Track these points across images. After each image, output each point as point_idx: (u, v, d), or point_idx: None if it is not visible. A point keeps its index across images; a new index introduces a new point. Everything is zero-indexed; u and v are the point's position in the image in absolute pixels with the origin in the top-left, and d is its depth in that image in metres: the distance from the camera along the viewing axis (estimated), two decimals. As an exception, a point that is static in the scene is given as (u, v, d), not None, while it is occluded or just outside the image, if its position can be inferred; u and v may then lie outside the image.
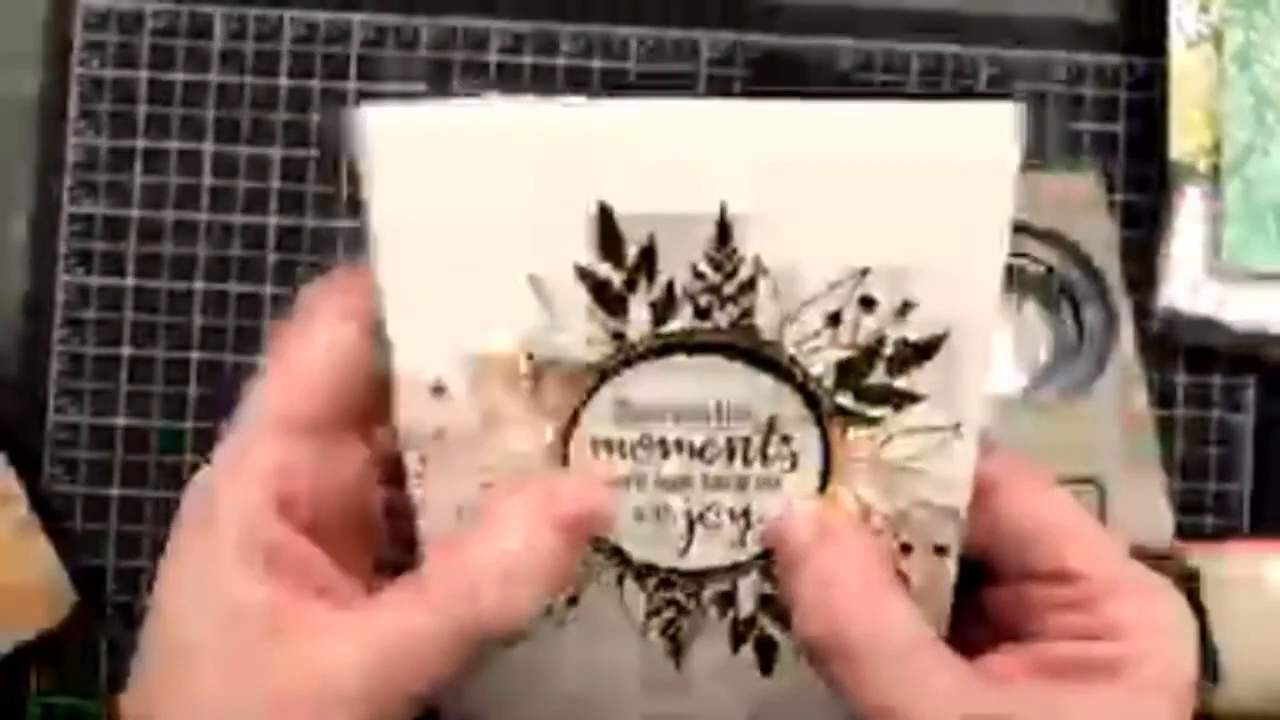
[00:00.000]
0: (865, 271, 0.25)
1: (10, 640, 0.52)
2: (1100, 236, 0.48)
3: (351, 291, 0.27)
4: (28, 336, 0.54)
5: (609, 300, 0.26)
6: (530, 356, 0.27)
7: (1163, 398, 0.53)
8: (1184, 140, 0.51)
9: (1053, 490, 0.28)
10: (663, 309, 0.26)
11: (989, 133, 0.24)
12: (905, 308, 0.26)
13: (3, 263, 0.54)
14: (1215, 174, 0.51)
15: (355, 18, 0.54)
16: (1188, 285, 0.52)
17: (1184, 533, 0.52)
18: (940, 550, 0.28)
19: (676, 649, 0.30)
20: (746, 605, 0.29)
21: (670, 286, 0.26)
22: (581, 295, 0.26)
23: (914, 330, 0.26)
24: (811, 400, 0.27)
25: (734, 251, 0.25)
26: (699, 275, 0.26)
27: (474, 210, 0.26)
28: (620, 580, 0.29)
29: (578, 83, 0.54)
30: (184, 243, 0.54)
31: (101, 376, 0.54)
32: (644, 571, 0.29)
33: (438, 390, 0.27)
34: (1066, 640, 0.27)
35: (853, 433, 0.27)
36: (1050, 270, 0.49)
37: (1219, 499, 0.53)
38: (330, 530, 0.28)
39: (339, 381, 0.27)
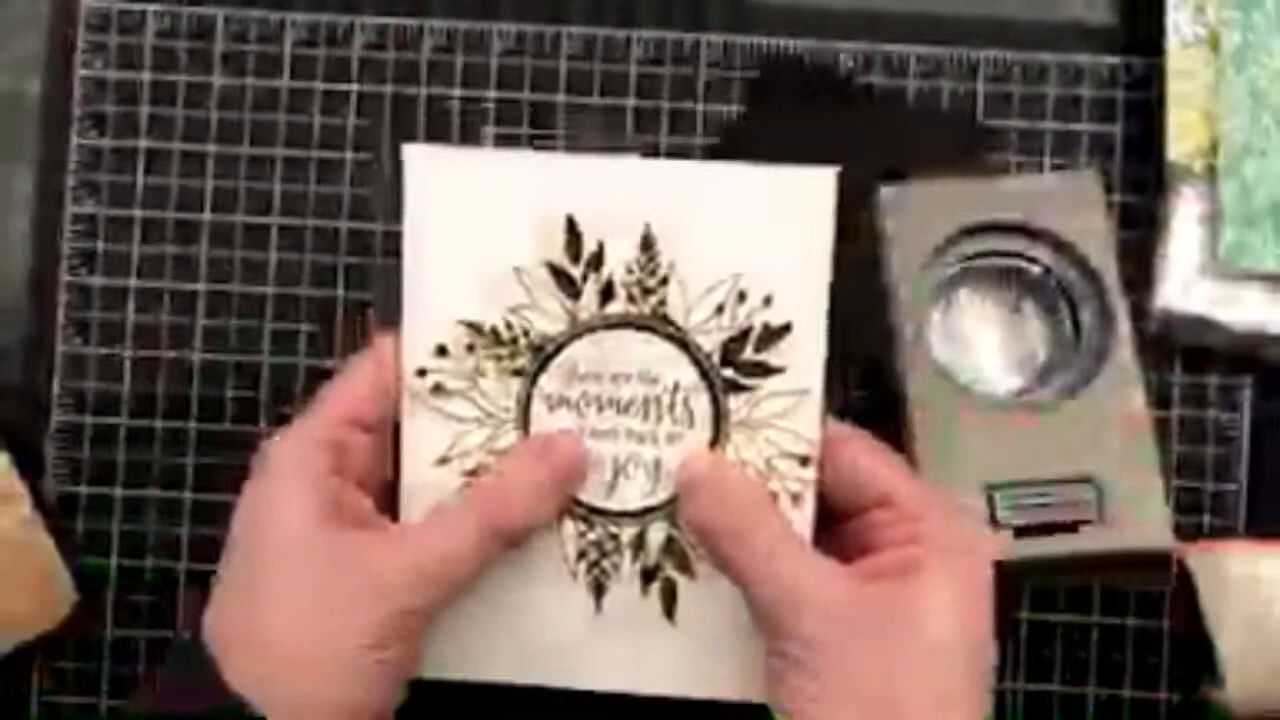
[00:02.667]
0: (740, 275, 0.38)
1: (13, 640, 0.52)
2: (1097, 237, 0.49)
3: (388, 350, 0.40)
4: (30, 336, 0.54)
5: (568, 288, 0.38)
6: (509, 327, 0.38)
7: (1159, 398, 0.53)
8: (1181, 141, 0.52)
9: (876, 447, 0.40)
10: (605, 296, 0.38)
11: (816, 190, 0.38)
12: (767, 301, 0.37)
13: (6, 263, 0.54)
14: (1212, 175, 0.51)
15: (357, 20, 0.54)
16: (1184, 285, 0.52)
17: (1181, 532, 0.52)
18: (796, 499, 0.38)
19: (598, 588, 0.39)
20: (654, 549, 0.39)
21: (611, 280, 0.38)
22: (549, 283, 0.38)
23: (773, 318, 0.38)
24: (705, 373, 0.38)
25: (653, 257, 0.38)
26: (630, 272, 0.38)
27: (478, 221, 0.37)
28: (559, 520, 0.39)
29: (579, 86, 0.55)
30: (186, 243, 0.54)
31: (104, 377, 0.54)
32: (578, 509, 0.39)
33: (442, 350, 0.38)
34: (889, 549, 0.37)
35: (733, 398, 0.38)
36: (1048, 270, 0.50)
37: (1216, 499, 0.53)
38: (374, 488, 0.40)
39: (380, 400, 0.40)
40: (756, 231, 0.37)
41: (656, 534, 0.39)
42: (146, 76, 0.54)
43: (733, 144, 0.54)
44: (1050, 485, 0.47)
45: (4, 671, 0.53)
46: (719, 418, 0.38)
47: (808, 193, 0.37)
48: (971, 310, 0.51)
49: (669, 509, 0.39)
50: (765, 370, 0.38)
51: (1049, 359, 0.51)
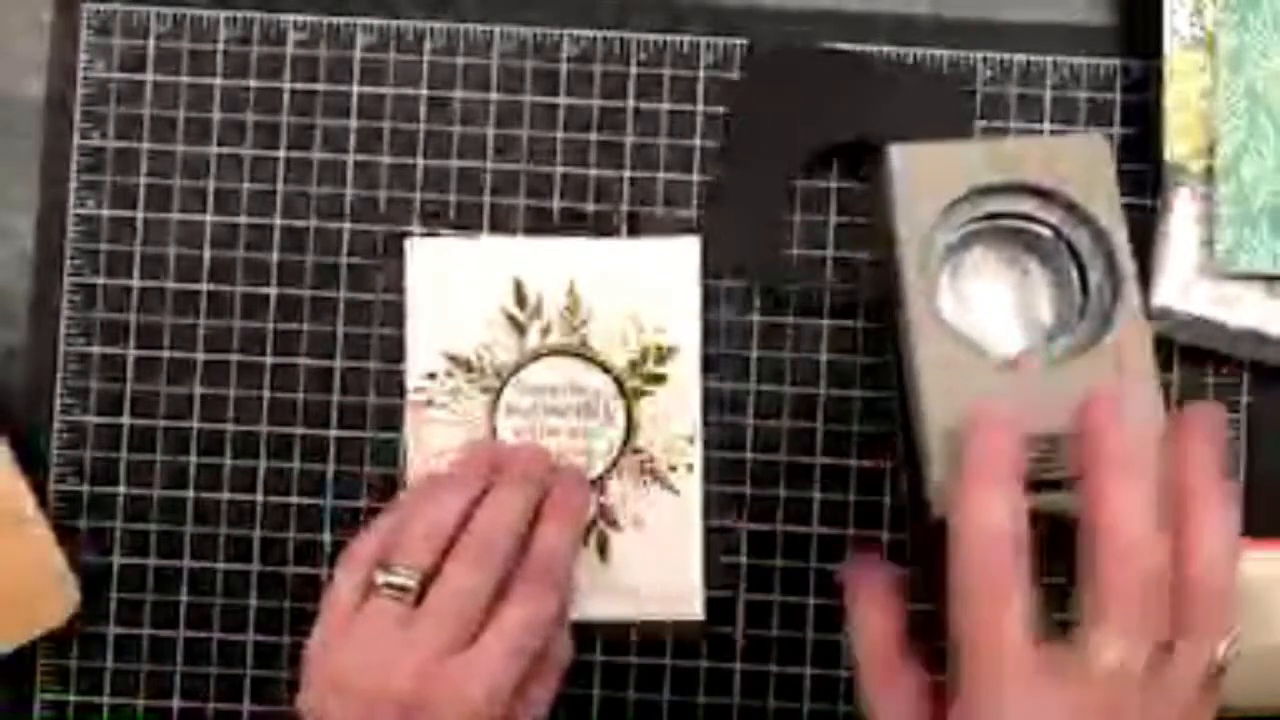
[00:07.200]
0: (638, 313, 0.52)
1: (16, 638, 0.52)
2: (1105, 198, 0.48)
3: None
4: (34, 337, 0.54)
5: (518, 328, 0.52)
6: (480, 357, 0.52)
7: (1157, 397, 0.53)
8: (1178, 142, 0.52)
9: None
10: (544, 333, 0.52)
11: (686, 251, 0.52)
12: (658, 330, 0.52)
13: (9, 264, 0.55)
14: (1209, 176, 0.52)
15: (359, 21, 0.55)
16: (1182, 286, 0.52)
17: (1179, 531, 0.53)
18: (689, 468, 0.52)
19: None
20: (591, 511, 0.52)
21: (549, 322, 0.52)
22: (505, 325, 0.52)
23: (662, 341, 0.52)
24: (619, 385, 0.52)
25: (579, 304, 0.52)
26: (563, 315, 0.52)
27: (456, 286, 0.52)
28: None
29: (579, 87, 0.55)
30: (188, 244, 0.54)
31: (107, 377, 0.54)
32: None
33: (431, 375, 0.52)
34: None
35: (639, 399, 0.52)
36: (1056, 231, 0.50)
37: (1214, 497, 0.53)
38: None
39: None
40: (647, 282, 0.52)
41: (592, 501, 0.52)
42: (149, 78, 0.55)
43: (733, 123, 0.54)
44: (1059, 441, 0.47)
45: (7, 669, 0.53)
46: (630, 414, 0.52)
47: (681, 253, 0.52)
48: (980, 272, 0.51)
49: (599, 482, 0.52)
50: (659, 379, 0.52)
51: (1056, 320, 0.51)
